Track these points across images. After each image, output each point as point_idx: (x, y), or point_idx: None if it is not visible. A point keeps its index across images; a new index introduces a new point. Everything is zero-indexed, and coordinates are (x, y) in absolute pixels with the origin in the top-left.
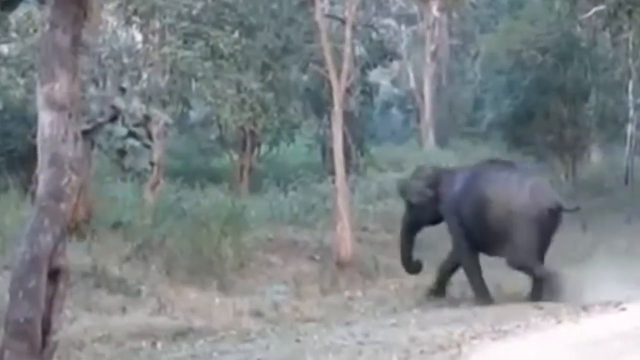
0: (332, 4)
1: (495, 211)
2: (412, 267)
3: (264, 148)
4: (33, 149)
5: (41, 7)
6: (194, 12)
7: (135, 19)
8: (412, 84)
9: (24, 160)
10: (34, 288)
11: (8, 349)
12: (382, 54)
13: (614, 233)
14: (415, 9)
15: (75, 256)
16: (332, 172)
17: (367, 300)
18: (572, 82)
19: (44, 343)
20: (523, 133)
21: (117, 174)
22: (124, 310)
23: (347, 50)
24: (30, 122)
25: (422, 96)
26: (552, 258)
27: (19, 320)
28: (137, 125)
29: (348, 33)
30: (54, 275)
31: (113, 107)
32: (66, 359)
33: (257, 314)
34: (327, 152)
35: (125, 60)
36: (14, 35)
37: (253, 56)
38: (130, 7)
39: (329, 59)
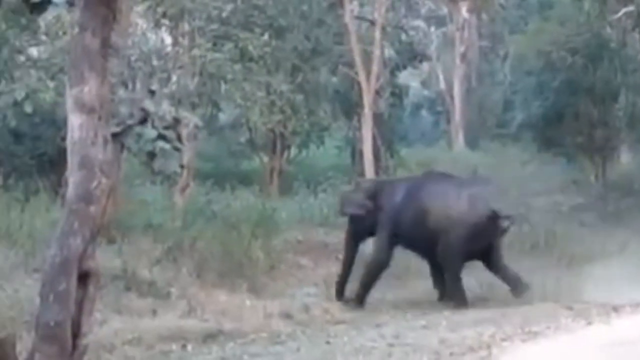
0: (361, 5)
1: (435, 220)
2: (343, 278)
3: (293, 150)
4: (63, 152)
5: (70, 9)
6: (224, 14)
7: (165, 21)
8: (442, 85)
9: (53, 163)
10: (64, 291)
11: (38, 352)
12: (412, 55)
13: None
14: (444, 10)
15: (105, 259)
16: (362, 174)
17: (397, 301)
18: (602, 82)
19: (74, 346)
20: (553, 134)
21: (146, 176)
22: (154, 312)
23: (377, 52)
24: (60, 125)
25: (452, 97)
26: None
27: (49, 323)
28: (166, 127)
29: (378, 35)
30: (84, 278)
31: (142, 109)
32: None
33: (288, 316)
34: (356, 154)
35: (155, 62)
36: (43, 38)
37: (282, 58)
38: (160, 10)
39: (358, 60)
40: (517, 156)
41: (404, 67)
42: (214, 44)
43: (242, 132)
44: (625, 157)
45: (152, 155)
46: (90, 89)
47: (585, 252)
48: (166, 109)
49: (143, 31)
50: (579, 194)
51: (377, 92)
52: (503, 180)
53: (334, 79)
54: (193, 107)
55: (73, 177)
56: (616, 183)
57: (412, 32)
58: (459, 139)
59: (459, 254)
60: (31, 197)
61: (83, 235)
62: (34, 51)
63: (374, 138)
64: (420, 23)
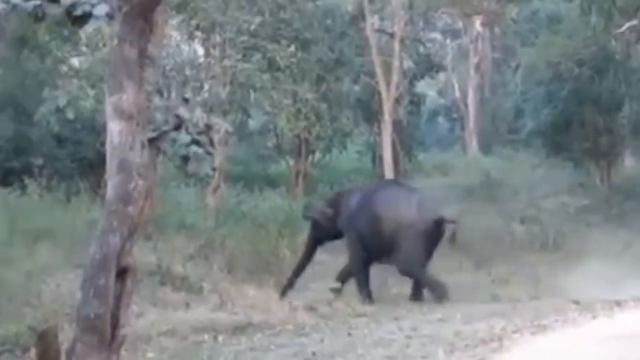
0: (381, 19)
1: (386, 225)
2: (294, 276)
3: (317, 154)
4: (102, 156)
5: (110, 22)
6: (253, 27)
7: (197, 33)
8: (457, 94)
9: (93, 167)
10: (104, 286)
11: (79, 342)
12: (429, 66)
13: None
14: (459, 24)
15: (141, 255)
16: (382, 177)
17: None
18: (607, 92)
19: (113, 337)
20: (561, 140)
21: (180, 179)
22: (187, 306)
23: (396, 63)
24: (99, 130)
25: (466, 106)
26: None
27: (90, 315)
28: (199, 133)
29: (397, 47)
30: (122, 273)
31: (177, 116)
32: (134, 352)
33: (312, 309)
34: (377, 158)
35: (188, 72)
36: (84, 49)
37: (308, 68)
38: (193, 23)
39: (379, 71)
40: (527, 161)
41: (422, 77)
42: (244, 55)
43: (270, 137)
44: (628, 162)
45: (185, 159)
46: (128, 97)
47: (591, 250)
48: (199, 116)
49: (177, 43)
50: (586, 196)
51: (397, 101)
52: (515, 183)
53: (356, 88)
54: (224, 114)
55: (112, 179)
56: (620, 186)
57: (429, 45)
58: (473, 145)
59: (415, 257)
60: (72, 198)
61: (121, 233)
62: (75, 61)
63: (393, 143)
64: (436, 36)
